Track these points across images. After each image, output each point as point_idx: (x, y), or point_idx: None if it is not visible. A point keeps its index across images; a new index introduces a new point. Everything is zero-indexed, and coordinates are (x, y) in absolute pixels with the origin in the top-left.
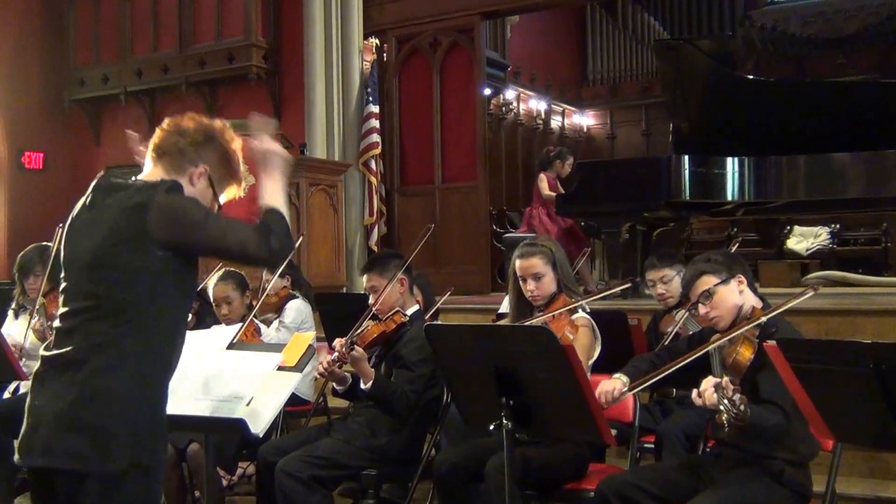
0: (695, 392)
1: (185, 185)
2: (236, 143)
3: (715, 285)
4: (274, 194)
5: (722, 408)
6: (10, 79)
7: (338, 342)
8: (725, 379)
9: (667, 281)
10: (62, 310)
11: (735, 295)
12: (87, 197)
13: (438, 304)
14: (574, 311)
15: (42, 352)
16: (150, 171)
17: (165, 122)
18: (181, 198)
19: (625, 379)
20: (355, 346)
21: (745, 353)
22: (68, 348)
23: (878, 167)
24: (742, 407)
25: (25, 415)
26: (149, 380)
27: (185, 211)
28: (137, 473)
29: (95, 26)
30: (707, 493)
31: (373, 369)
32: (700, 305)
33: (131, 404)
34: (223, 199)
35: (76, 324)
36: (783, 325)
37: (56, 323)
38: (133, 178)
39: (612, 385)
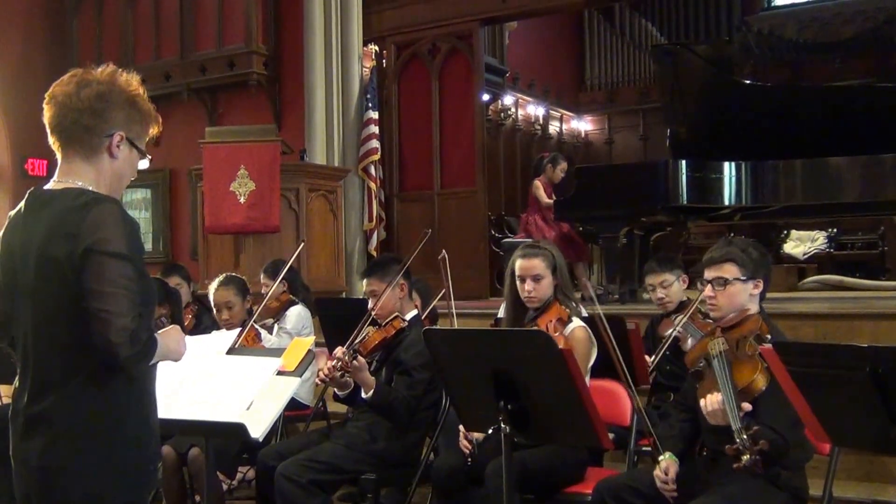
0: (705, 409)
1: (105, 160)
2: (135, 83)
3: (734, 278)
4: (165, 344)
5: (739, 444)
6: (13, 86)
7: (339, 351)
8: (747, 428)
9: (666, 285)
10: (20, 343)
11: (745, 296)
12: (22, 211)
13: (433, 304)
14: (567, 321)
15: (7, 399)
16: (66, 166)
17: (49, 96)
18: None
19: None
20: (357, 356)
21: (761, 382)
22: (35, 391)
23: (875, 171)
24: (762, 444)
25: (14, 465)
26: (123, 411)
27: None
28: None
29: (98, 34)
30: (703, 496)
31: (373, 378)
32: (709, 286)
33: (111, 442)
34: (143, 144)
35: (36, 360)
36: (775, 331)
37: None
38: (55, 182)
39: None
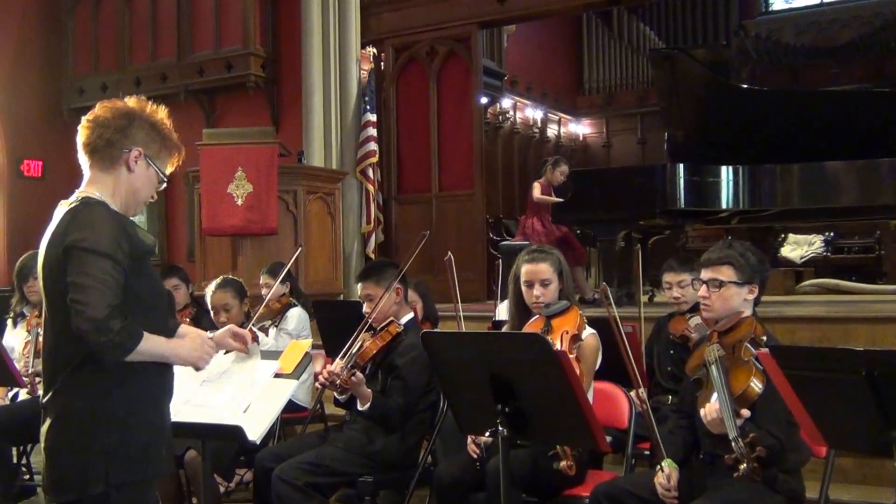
0: (705, 418)
1: (123, 173)
2: (161, 113)
3: (729, 281)
4: (170, 347)
5: (737, 453)
6: (9, 87)
7: (338, 366)
8: (744, 437)
9: (684, 285)
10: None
11: (739, 300)
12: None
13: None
14: (580, 337)
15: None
16: (90, 175)
17: (84, 119)
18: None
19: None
20: (356, 372)
21: (757, 387)
22: (46, 383)
23: (872, 176)
24: (759, 451)
25: None
26: (107, 397)
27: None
28: (122, 493)
29: (94, 35)
30: (700, 500)
31: (370, 391)
32: (704, 286)
33: (94, 425)
34: (168, 171)
35: (47, 353)
36: (767, 335)
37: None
38: (76, 193)
39: (670, 479)
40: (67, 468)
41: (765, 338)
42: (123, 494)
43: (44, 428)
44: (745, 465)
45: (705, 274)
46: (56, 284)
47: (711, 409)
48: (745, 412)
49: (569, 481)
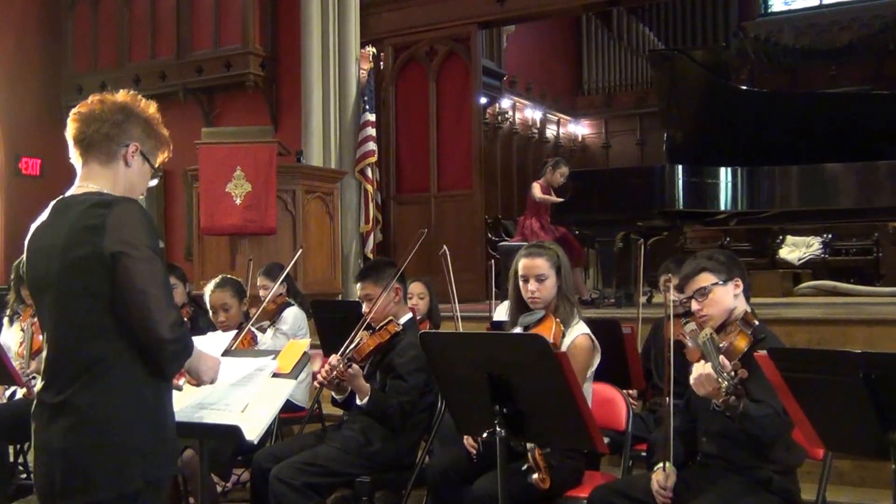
0: (692, 378)
1: (121, 168)
2: (152, 108)
3: (712, 284)
4: (197, 356)
5: (720, 379)
6: (8, 85)
7: (334, 359)
8: (723, 358)
9: None
10: (46, 338)
11: (730, 298)
12: (46, 217)
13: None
14: (562, 338)
15: (36, 390)
16: (87, 170)
17: (74, 113)
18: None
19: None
20: (352, 364)
21: (740, 344)
22: (59, 382)
23: (870, 178)
24: (737, 376)
25: (35, 453)
26: (141, 394)
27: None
28: (150, 489)
29: (94, 33)
30: (695, 501)
31: (368, 385)
32: (694, 301)
33: (130, 422)
34: (157, 163)
35: (60, 351)
36: (770, 334)
37: (43, 354)
38: (76, 188)
39: (668, 478)
40: (100, 468)
41: (756, 322)
42: (153, 491)
43: (57, 428)
44: (726, 384)
45: (688, 290)
46: (85, 281)
47: (698, 366)
48: (742, 371)
49: (565, 486)
